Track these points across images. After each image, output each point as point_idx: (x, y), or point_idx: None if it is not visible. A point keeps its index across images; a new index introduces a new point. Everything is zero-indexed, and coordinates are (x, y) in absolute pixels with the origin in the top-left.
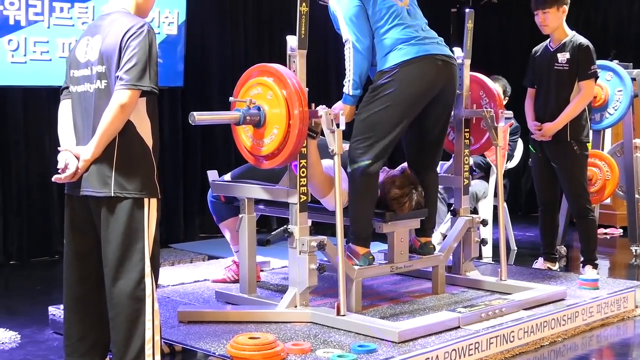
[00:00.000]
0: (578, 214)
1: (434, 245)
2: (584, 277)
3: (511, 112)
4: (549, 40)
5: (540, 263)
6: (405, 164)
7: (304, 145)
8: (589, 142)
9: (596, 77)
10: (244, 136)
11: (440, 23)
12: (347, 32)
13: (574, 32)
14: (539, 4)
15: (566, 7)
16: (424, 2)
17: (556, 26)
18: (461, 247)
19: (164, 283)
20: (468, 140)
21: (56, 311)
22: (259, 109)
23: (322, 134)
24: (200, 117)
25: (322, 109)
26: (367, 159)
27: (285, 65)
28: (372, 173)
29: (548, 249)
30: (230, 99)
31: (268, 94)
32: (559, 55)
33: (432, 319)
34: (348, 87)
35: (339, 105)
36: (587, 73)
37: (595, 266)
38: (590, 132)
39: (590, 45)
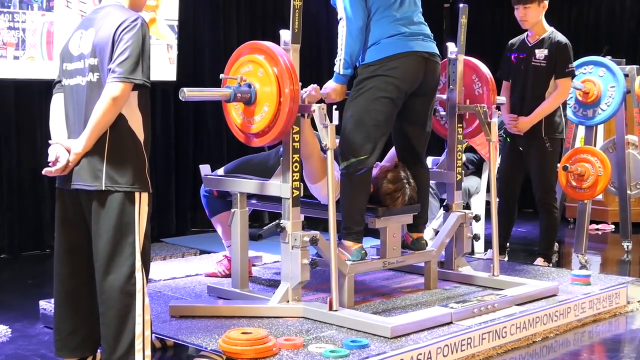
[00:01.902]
0: (542, 209)
1: (425, 241)
2: (577, 273)
3: (504, 97)
4: (526, 34)
5: (489, 254)
6: (396, 159)
7: (297, 140)
8: (563, 138)
9: (573, 76)
10: (235, 114)
11: (433, 18)
12: (342, 10)
13: (552, 29)
14: (519, 0)
15: (546, 3)
16: None
17: (536, 21)
18: (453, 242)
19: (156, 277)
20: (461, 136)
21: (47, 305)
22: (249, 86)
23: (315, 129)
24: (190, 93)
25: (311, 90)
26: (359, 153)
27: None
28: (366, 167)
29: (502, 240)
30: (221, 76)
31: (259, 71)
32: (537, 51)
33: (425, 315)
34: (339, 66)
35: (330, 84)
36: (564, 71)
37: (547, 260)
38: (565, 128)
39: (569, 44)
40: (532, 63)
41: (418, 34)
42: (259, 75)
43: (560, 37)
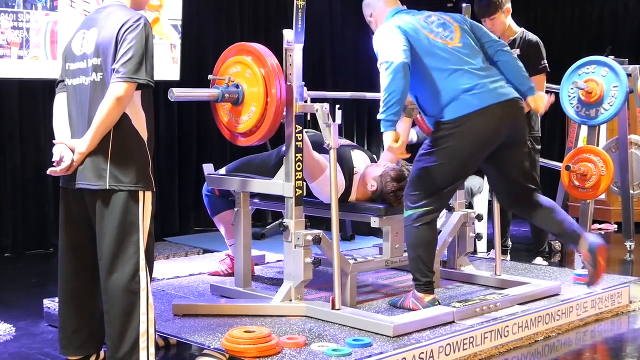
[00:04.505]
0: None
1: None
2: (579, 272)
3: None
4: (498, 37)
5: (491, 253)
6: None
7: (300, 139)
8: (539, 136)
9: (547, 72)
10: (222, 113)
11: None
12: (384, 54)
13: (522, 29)
14: (484, 14)
15: (509, 6)
16: None
17: (505, 27)
18: (456, 241)
19: (159, 276)
20: None
21: (51, 304)
22: (237, 86)
23: (318, 129)
24: (179, 93)
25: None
26: (422, 207)
27: (282, 59)
28: (428, 221)
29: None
30: (210, 76)
31: (247, 72)
32: None
33: (427, 314)
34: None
35: (385, 139)
36: (537, 68)
37: (545, 257)
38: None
39: (540, 41)
40: None
41: (492, 79)
42: (247, 76)
43: (531, 36)
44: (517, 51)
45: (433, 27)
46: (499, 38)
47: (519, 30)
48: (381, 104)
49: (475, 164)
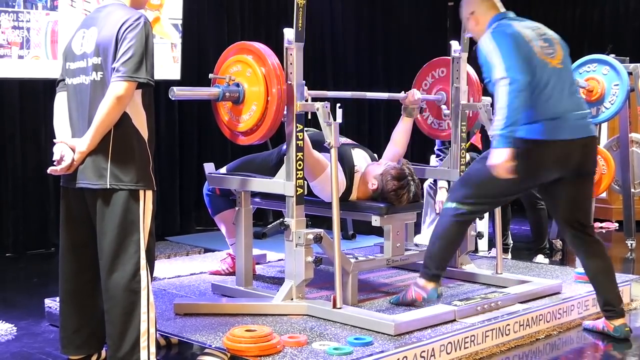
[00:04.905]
0: (528, 204)
1: (630, 329)
2: (580, 270)
3: (489, 98)
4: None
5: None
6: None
7: (300, 138)
8: None
9: None
10: (223, 112)
11: (437, 16)
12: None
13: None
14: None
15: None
16: None
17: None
18: None
19: (160, 275)
20: (465, 134)
21: (52, 303)
22: (238, 85)
23: (319, 128)
24: (179, 92)
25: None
26: (466, 205)
27: (282, 58)
28: (463, 220)
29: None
30: (210, 75)
31: (247, 71)
32: None
33: (428, 312)
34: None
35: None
36: None
37: (546, 254)
38: None
39: None
40: None
41: (577, 111)
42: (248, 75)
43: None
44: None
45: (540, 42)
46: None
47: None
48: (501, 119)
49: (534, 186)
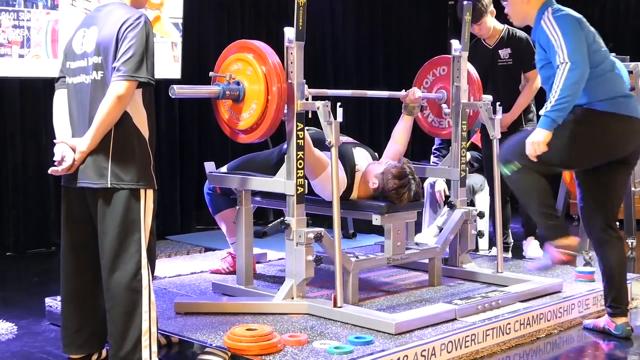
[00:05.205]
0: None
1: (631, 327)
2: (581, 269)
3: (490, 96)
4: (484, 39)
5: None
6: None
7: (301, 137)
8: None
9: None
10: (223, 110)
11: (438, 15)
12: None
13: (505, 26)
14: (471, 21)
15: (493, 8)
16: None
17: (491, 29)
18: (458, 239)
19: (161, 274)
20: (465, 133)
21: (53, 303)
22: (238, 84)
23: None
24: (180, 90)
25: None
26: (518, 163)
27: (283, 58)
28: (526, 171)
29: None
30: (211, 73)
31: (248, 69)
32: (500, 51)
33: (429, 311)
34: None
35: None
36: (531, 64)
37: (537, 238)
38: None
39: (529, 37)
40: (499, 63)
41: (633, 96)
42: (248, 74)
43: (520, 33)
44: (507, 50)
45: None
46: (485, 40)
47: (502, 27)
48: (552, 101)
49: (591, 163)
